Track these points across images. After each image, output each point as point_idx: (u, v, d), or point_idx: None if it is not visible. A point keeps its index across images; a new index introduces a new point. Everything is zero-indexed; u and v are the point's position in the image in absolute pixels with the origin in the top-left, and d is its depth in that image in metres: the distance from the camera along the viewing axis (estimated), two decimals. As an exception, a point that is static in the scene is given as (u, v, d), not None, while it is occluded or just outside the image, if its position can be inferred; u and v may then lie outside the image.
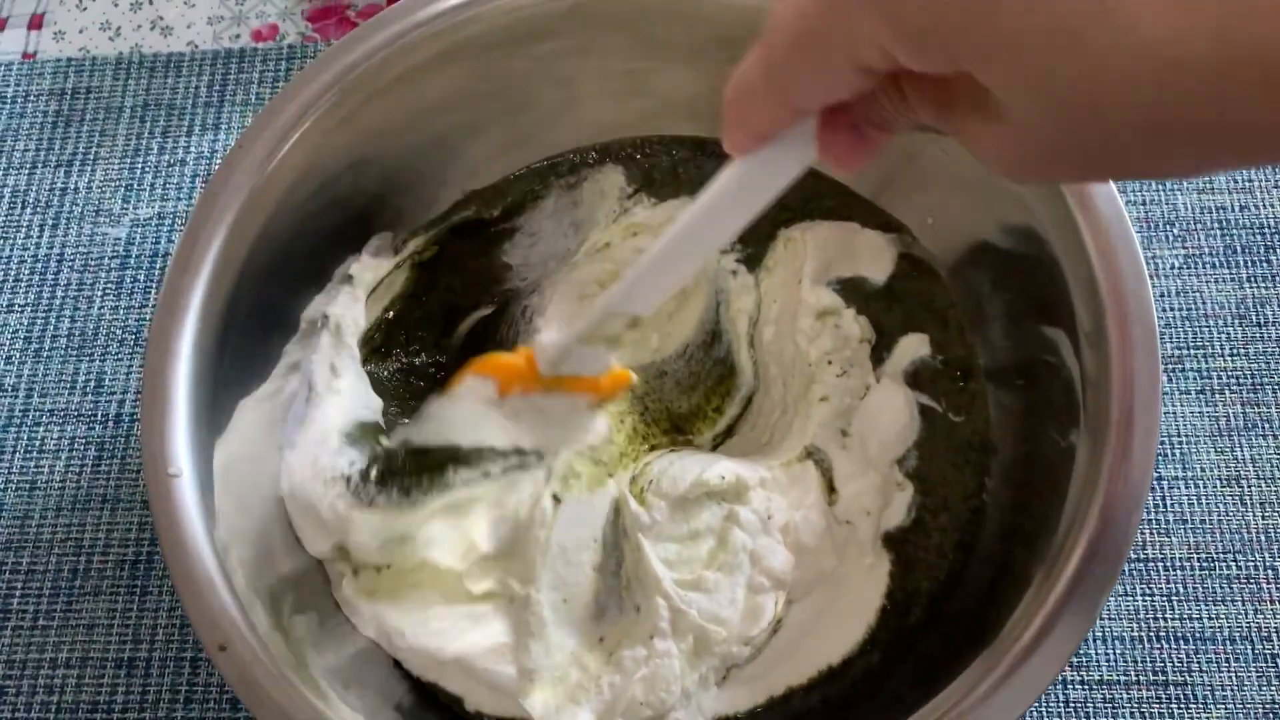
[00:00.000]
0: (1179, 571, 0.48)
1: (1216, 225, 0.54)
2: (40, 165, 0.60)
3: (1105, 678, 0.46)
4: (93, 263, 0.57)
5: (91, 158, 0.60)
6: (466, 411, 0.43)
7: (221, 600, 0.37)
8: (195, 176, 0.59)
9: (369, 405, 0.47)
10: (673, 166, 0.53)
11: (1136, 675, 0.46)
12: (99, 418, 0.54)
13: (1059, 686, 0.46)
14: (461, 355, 0.52)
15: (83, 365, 0.55)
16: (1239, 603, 0.47)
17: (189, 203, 0.58)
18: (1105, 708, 0.46)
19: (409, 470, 0.42)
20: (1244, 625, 0.47)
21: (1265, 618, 0.47)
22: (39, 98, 0.61)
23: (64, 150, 0.60)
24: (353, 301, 0.49)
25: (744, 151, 0.30)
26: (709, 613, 0.43)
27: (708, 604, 0.43)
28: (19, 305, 0.57)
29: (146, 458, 0.39)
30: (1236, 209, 0.55)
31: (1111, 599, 0.48)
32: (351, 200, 0.49)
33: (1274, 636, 0.47)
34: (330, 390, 0.46)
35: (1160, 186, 0.55)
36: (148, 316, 0.55)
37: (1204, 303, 0.53)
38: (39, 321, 0.56)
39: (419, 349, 0.52)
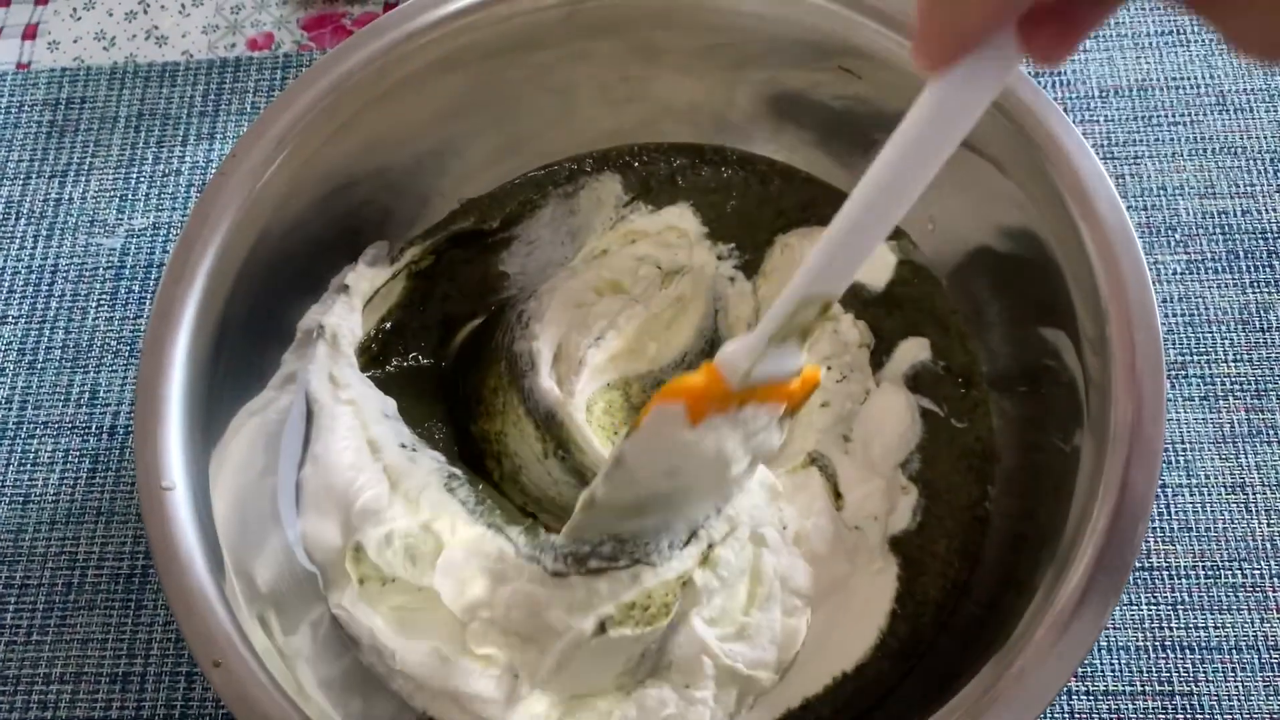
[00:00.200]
0: (1184, 580, 0.48)
1: (1219, 230, 0.54)
2: (34, 175, 0.59)
3: (1111, 688, 0.46)
4: (87, 273, 0.57)
5: (86, 168, 0.59)
6: (659, 456, 0.38)
7: (216, 615, 0.37)
8: (190, 186, 0.58)
9: (386, 408, 0.48)
10: (670, 174, 0.53)
11: (1142, 685, 0.46)
12: (93, 430, 0.53)
13: (1064, 697, 0.46)
14: (458, 364, 0.52)
15: (77, 377, 0.54)
16: (1245, 611, 0.47)
17: (184, 213, 0.58)
18: (1111, 719, 0.45)
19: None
20: (1250, 634, 0.46)
21: (1271, 626, 0.46)
22: (33, 108, 0.61)
23: (58, 160, 0.60)
24: (349, 311, 0.49)
25: (948, 64, 0.26)
26: (753, 660, 0.42)
27: (751, 652, 0.43)
28: (13, 316, 0.56)
29: (140, 471, 0.39)
30: (1238, 214, 0.54)
31: (1116, 608, 0.47)
32: (347, 209, 0.48)
33: (1281, 645, 0.46)
34: (337, 401, 0.46)
35: (1162, 191, 0.55)
36: (143, 328, 0.55)
37: (1207, 308, 0.52)
38: (33, 333, 0.56)
39: (417, 358, 0.51)
